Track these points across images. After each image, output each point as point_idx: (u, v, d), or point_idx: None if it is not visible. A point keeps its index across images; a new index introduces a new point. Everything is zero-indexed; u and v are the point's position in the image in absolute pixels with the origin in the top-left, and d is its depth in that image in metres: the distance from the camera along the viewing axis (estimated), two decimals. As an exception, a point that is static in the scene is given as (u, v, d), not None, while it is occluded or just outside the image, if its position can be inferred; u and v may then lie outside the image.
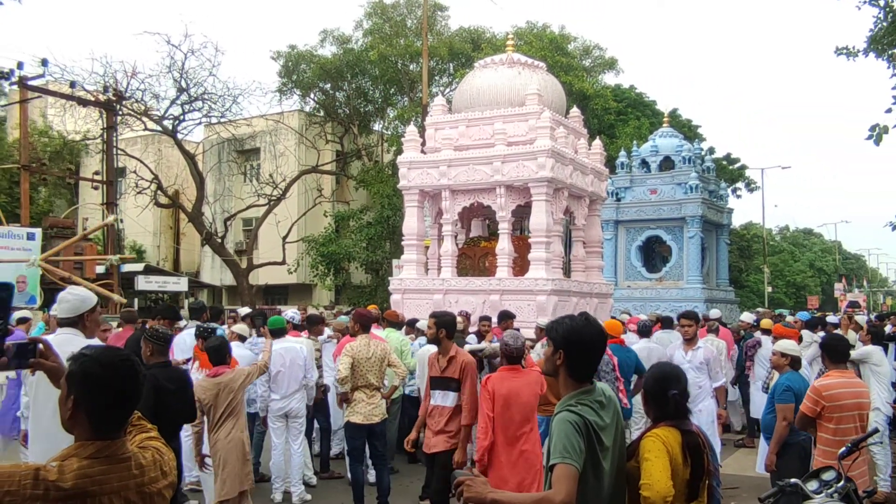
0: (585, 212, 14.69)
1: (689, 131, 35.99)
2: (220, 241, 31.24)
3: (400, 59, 32.29)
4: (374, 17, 33.70)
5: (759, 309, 23.11)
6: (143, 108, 28.82)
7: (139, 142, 32.97)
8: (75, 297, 4.68)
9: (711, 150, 33.80)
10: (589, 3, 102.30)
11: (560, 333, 3.24)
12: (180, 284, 27.96)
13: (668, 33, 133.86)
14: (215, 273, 35.98)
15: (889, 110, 10.12)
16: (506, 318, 10.40)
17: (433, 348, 7.53)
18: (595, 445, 3.05)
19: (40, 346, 2.83)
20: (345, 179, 36.30)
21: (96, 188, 24.18)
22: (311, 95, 35.11)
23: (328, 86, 34.47)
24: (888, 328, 13.71)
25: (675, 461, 3.28)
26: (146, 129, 30.38)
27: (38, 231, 20.46)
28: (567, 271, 15.10)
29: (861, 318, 16.79)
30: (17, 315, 12.43)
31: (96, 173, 25.62)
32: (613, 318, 11.90)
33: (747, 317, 13.92)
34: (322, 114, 35.48)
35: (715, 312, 14.70)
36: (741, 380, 11.95)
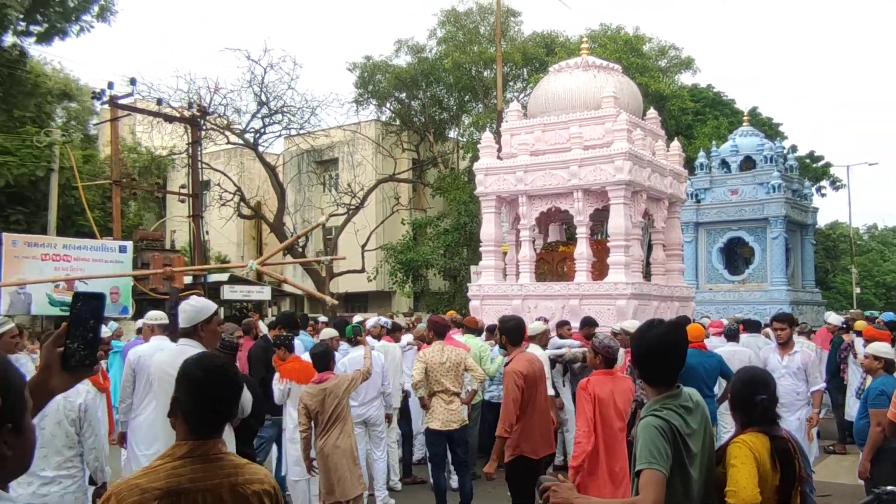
0: (665, 214, 14.48)
1: (769, 129, 35.13)
2: (301, 250, 31.86)
3: (474, 66, 32.43)
4: (447, 25, 33.94)
5: (850, 311, 22.35)
6: (225, 122, 29.64)
7: (222, 155, 33.90)
8: (191, 307, 4.71)
9: (794, 148, 32.91)
10: (664, 3, 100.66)
11: (637, 339, 3.23)
12: (264, 293, 28.59)
13: (746, 30, 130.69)
14: (296, 282, 36.65)
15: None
16: (588, 324, 10.33)
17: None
18: (682, 451, 3.00)
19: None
20: (421, 187, 36.61)
21: (183, 201, 25.00)
22: (387, 105, 35.55)
23: (403, 95, 34.84)
24: None
25: (762, 468, 3.21)
26: (229, 142, 31.22)
27: (129, 244, 21.29)
28: (647, 275, 14.92)
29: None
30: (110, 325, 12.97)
31: (182, 187, 26.45)
32: (695, 321, 11.71)
33: (834, 318, 13.45)
34: (398, 123, 35.89)
35: (835, 318, 13.65)
36: (832, 384, 11.60)
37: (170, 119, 25.42)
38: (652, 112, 15.25)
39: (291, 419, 7.60)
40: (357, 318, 9.56)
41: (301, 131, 31.65)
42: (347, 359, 8.41)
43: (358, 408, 8.49)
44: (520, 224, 13.84)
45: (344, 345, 9.13)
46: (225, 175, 30.84)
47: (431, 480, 8.16)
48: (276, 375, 7.91)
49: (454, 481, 8.49)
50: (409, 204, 35.71)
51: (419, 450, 10.25)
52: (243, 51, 33.33)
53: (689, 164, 23.48)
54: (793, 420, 8.14)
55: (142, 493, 2.33)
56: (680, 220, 15.70)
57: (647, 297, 12.93)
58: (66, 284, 19.85)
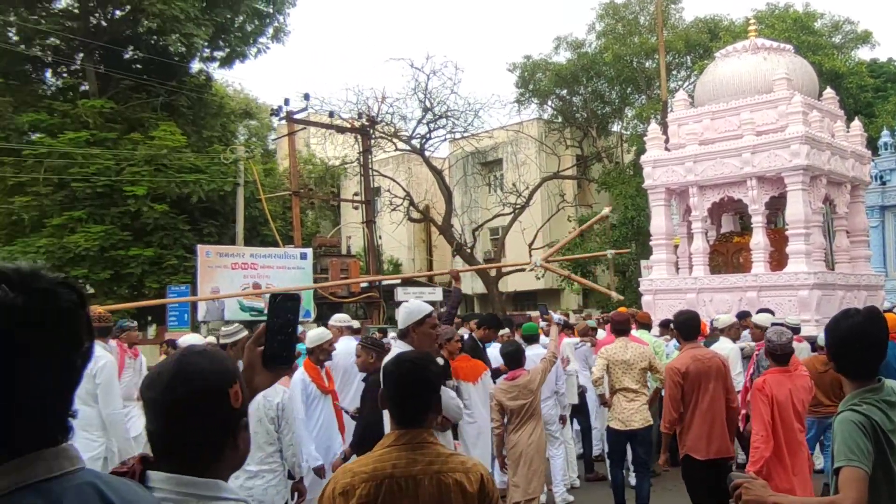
0: (847, 198, 13.74)
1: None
2: (469, 251, 32.41)
3: (635, 58, 31.87)
4: (606, 18, 33.53)
5: None
6: (392, 130, 30.67)
7: (391, 162, 35.06)
8: (405, 310, 4.81)
9: None
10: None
11: (832, 329, 3.12)
12: (435, 294, 29.32)
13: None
14: (467, 282, 37.30)
15: None
16: (743, 316, 9.88)
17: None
18: (884, 448, 2.81)
19: None
20: (586, 183, 36.32)
21: (356, 208, 26.17)
22: (549, 103, 35.54)
23: (564, 91, 34.71)
24: None
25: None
26: (396, 149, 32.25)
27: (309, 251, 22.51)
28: (830, 263, 14.20)
29: None
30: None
31: (355, 194, 27.62)
32: (888, 311, 11.03)
33: None
34: (560, 120, 35.79)
35: None
36: None
37: (341, 130, 26.67)
38: (829, 92, 14.51)
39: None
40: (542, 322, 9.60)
41: (465, 134, 32.21)
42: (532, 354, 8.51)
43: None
44: (691, 216, 13.55)
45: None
46: (394, 181, 31.89)
47: (609, 478, 8.14)
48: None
49: (633, 478, 8.43)
50: (575, 200, 35.50)
51: (597, 445, 10.24)
52: (407, 60, 34.46)
53: (872, 144, 22.02)
54: None
55: (351, 476, 2.60)
56: (864, 205, 14.85)
57: (830, 286, 12.33)
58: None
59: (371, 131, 27.10)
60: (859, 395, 2.94)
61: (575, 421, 9.84)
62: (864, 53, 33.92)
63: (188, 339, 7.32)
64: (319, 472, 6.17)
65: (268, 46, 28.62)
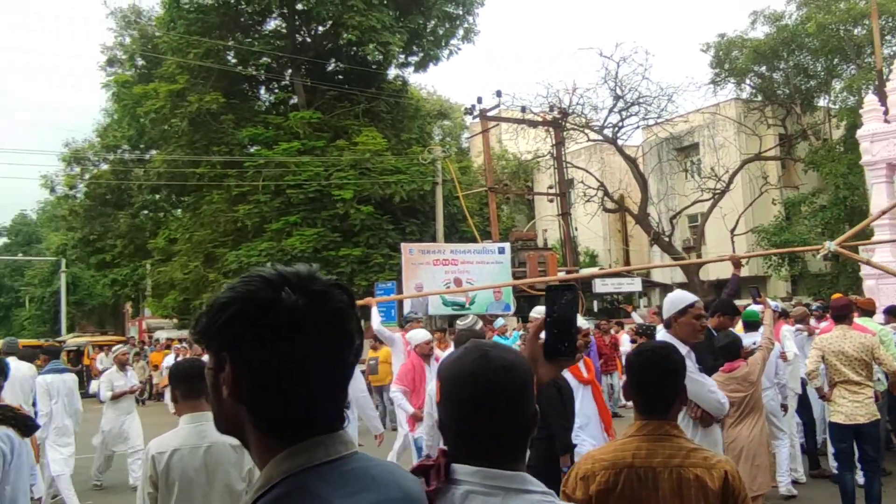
0: None
1: None
2: (667, 239, 31.69)
3: (842, 26, 29.80)
4: (807, -14, 31.61)
5: None
6: (584, 120, 30.51)
7: (583, 153, 34.87)
8: (668, 300, 4.72)
9: None
10: None
11: None
12: (634, 285, 28.96)
13: None
14: (665, 271, 36.47)
15: None
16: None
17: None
18: None
19: None
20: (791, 163, 34.42)
21: (551, 201, 26.34)
22: (747, 81, 33.97)
23: (763, 68, 33.06)
24: None
25: None
26: (588, 140, 32.05)
27: (506, 245, 22.92)
28: None
29: None
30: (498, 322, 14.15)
31: (550, 187, 27.80)
32: None
33: None
34: (760, 98, 34.13)
35: None
36: None
37: (533, 124, 26.92)
38: None
39: None
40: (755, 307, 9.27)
41: (659, 120, 31.47)
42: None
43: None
44: (917, 193, 12.64)
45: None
46: (587, 172, 31.71)
47: (836, 478, 7.75)
48: None
49: (861, 477, 8.01)
50: (779, 182, 33.73)
51: (821, 437, 9.80)
52: (596, 49, 34.12)
53: None
54: None
55: (592, 463, 2.70)
56: None
57: None
58: (456, 287, 21.96)
59: (563, 123, 27.14)
60: None
61: (797, 413, 9.48)
62: None
63: (416, 334, 7.70)
64: None
65: (459, 47, 29.47)
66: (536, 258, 24.52)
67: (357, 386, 6.22)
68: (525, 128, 28.80)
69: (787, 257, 28.80)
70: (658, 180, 34.07)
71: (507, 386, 1.59)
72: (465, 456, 1.59)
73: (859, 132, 13.34)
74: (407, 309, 21.07)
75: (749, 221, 31.54)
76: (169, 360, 19.31)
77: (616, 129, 31.28)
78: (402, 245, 21.70)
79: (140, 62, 31.89)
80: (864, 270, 13.33)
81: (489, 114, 24.86)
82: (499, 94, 24.37)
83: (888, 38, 30.27)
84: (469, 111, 25.34)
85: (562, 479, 2.81)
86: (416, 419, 7.64)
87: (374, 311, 9.53)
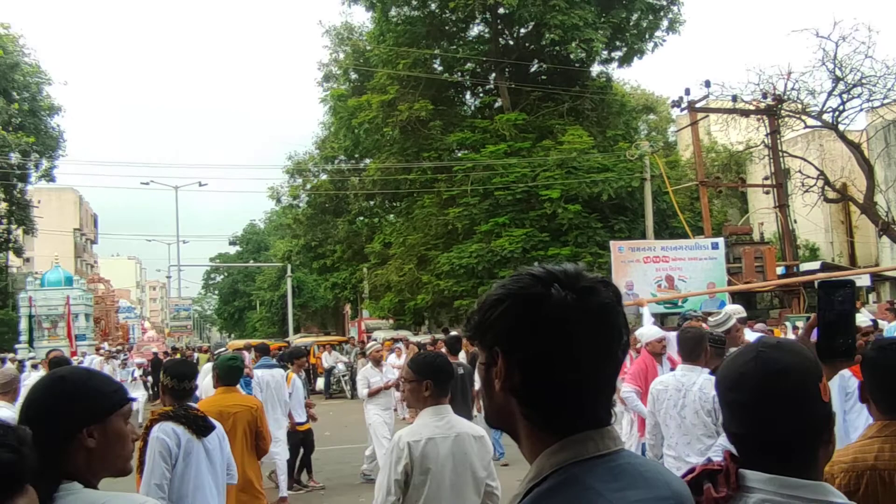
0: None
1: None
2: (899, 227, 29.33)
3: None
4: None
5: None
6: (800, 106, 28.88)
7: (799, 141, 32.95)
8: None
9: None
10: None
11: None
12: (862, 279, 27.07)
13: None
14: (898, 263, 33.75)
15: None
16: None
17: None
18: None
19: None
20: None
21: (766, 192, 25.17)
22: None
23: None
24: None
25: None
26: (805, 126, 30.29)
27: (720, 240, 22.24)
28: None
29: None
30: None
31: (765, 178, 26.57)
32: None
33: None
34: None
35: None
36: None
37: (745, 113, 25.85)
38: None
39: None
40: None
41: (885, 101, 29.17)
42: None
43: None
44: None
45: None
46: (805, 160, 29.96)
47: None
48: None
49: None
50: None
51: None
52: (811, 30, 32.04)
53: None
54: None
55: (830, 465, 2.47)
56: None
57: None
58: (668, 285, 21.59)
59: (777, 111, 25.86)
60: None
61: None
62: None
63: (648, 331, 7.65)
64: None
65: (664, 39, 28.84)
66: (753, 253, 23.52)
67: None
68: (736, 118, 27.67)
69: None
70: (885, 166, 31.57)
71: (779, 390, 1.54)
72: (746, 461, 1.56)
73: None
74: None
75: None
76: (391, 359, 20.29)
77: (836, 113, 29.32)
78: (612, 243, 21.61)
79: (353, 76, 33.69)
80: None
81: (697, 105, 24.15)
82: (707, 84, 23.62)
83: None
84: (676, 104, 24.73)
85: None
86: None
87: (646, 312, 9.51)
